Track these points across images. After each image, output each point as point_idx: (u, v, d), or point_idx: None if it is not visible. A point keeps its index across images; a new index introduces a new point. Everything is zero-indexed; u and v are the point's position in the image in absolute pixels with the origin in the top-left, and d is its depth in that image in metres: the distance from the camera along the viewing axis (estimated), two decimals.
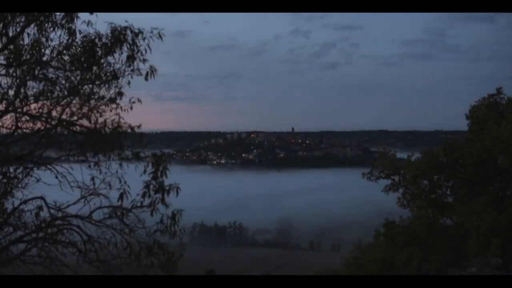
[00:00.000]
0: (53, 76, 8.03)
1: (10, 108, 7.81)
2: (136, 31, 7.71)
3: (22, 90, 7.85)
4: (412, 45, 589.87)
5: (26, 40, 7.91)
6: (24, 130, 8.09)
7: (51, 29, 7.88)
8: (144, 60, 7.86)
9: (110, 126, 7.55)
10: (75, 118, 7.85)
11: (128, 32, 7.69)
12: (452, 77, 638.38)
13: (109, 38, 7.71)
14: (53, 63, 7.98)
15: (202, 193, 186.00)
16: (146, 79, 7.89)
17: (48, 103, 7.99)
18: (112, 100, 7.96)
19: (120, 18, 7.76)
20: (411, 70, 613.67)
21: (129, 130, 7.60)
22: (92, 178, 7.67)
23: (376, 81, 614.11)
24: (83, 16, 7.72)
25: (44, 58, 7.90)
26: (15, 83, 7.89)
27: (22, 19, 7.75)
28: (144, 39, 7.72)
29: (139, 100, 7.89)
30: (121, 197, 7.30)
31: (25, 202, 8.02)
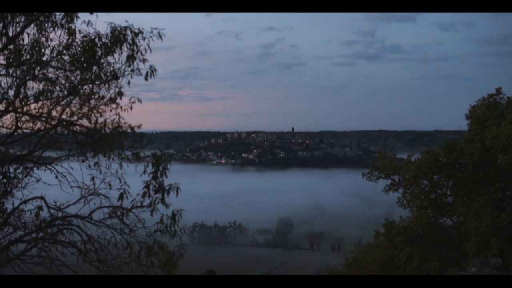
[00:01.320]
0: (53, 76, 8.03)
1: (10, 108, 7.80)
2: (136, 31, 7.71)
3: (22, 90, 7.85)
4: (351, 46, 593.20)
5: (26, 40, 7.92)
6: (24, 130, 8.09)
7: (51, 29, 7.89)
8: (144, 60, 7.86)
9: (110, 126, 7.54)
10: (75, 118, 7.84)
11: (128, 32, 7.69)
12: (414, 77, 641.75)
13: (109, 38, 7.71)
14: (53, 63, 7.98)
15: (202, 193, 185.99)
16: (146, 79, 7.89)
17: (48, 103, 7.98)
18: (112, 100, 7.96)
19: (120, 18, 7.77)
20: (364, 70, 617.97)
21: (129, 130, 7.59)
22: (92, 178, 7.66)
23: (335, 81, 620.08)
24: (83, 16, 7.73)
25: (44, 58, 7.90)
26: (15, 83, 7.89)
27: (22, 19, 7.75)
28: (144, 39, 7.72)
29: (139, 100, 7.89)
30: (121, 197, 7.30)
31: (25, 202, 8.02)
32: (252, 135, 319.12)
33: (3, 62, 7.87)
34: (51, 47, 7.97)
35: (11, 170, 8.04)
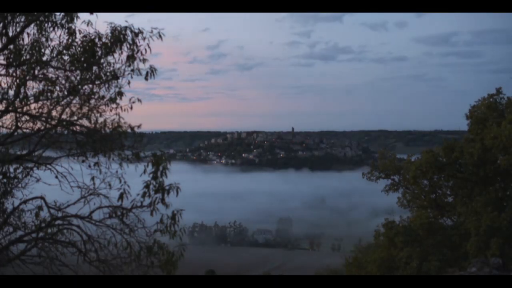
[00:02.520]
0: (53, 76, 8.03)
1: (10, 108, 7.80)
2: (136, 31, 7.71)
3: (22, 90, 7.84)
4: (296, 47, 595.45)
5: (26, 40, 7.92)
6: (24, 130, 8.09)
7: (51, 29, 7.89)
8: (144, 60, 7.87)
9: (110, 126, 7.54)
10: (75, 118, 7.85)
11: (128, 32, 7.69)
12: (384, 77, 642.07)
13: (109, 38, 7.71)
14: (53, 63, 7.98)
15: (202, 193, 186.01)
16: (146, 79, 7.89)
17: (48, 103, 7.98)
18: (112, 100, 7.96)
19: (120, 18, 7.77)
20: (324, 70, 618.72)
21: (129, 130, 7.59)
22: (92, 178, 7.67)
23: (306, 81, 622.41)
24: (83, 16, 7.73)
25: (44, 58, 7.90)
26: (15, 83, 7.89)
27: (22, 19, 7.75)
28: (144, 39, 7.73)
29: (139, 100, 7.90)
30: (121, 197, 7.30)
31: (25, 202, 8.02)
32: (253, 135, 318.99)
33: (3, 62, 7.87)
34: (51, 47, 7.97)
35: (11, 170, 8.04)
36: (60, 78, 8.02)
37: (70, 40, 7.87)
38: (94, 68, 7.93)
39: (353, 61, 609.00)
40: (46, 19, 7.79)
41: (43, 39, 7.92)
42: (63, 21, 7.83)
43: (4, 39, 7.75)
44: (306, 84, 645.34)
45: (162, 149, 7.55)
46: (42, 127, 7.98)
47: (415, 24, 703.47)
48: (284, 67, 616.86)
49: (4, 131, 8.00)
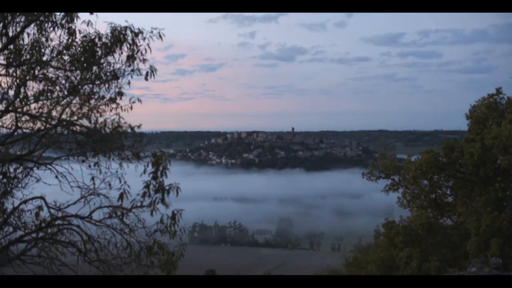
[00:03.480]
0: (53, 76, 8.03)
1: (10, 108, 7.80)
2: (136, 31, 7.71)
3: (22, 90, 7.85)
4: (247, 48, 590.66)
5: (26, 40, 7.92)
6: (24, 130, 8.09)
7: (51, 29, 7.89)
8: (144, 60, 7.87)
9: (110, 126, 7.54)
10: (75, 118, 7.84)
11: (128, 32, 7.69)
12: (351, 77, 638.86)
13: (109, 38, 7.72)
14: (53, 63, 7.98)
15: (202, 193, 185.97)
16: (146, 79, 7.90)
17: (48, 103, 7.98)
18: (112, 100, 7.96)
19: (120, 18, 7.77)
20: (288, 70, 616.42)
21: (129, 130, 7.59)
22: (92, 178, 7.67)
23: (280, 81, 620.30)
24: (83, 16, 7.74)
25: (44, 58, 7.90)
26: (15, 83, 7.89)
27: (22, 19, 7.75)
28: (144, 39, 7.73)
29: (139, 100, 7.89)
30: (121, 197, 7.30)
31: (25, 202, 8.02)
32: (253, 135, 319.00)
33: (3, 62, 7.87)
34: (51, 47, 7.98)
35: (11, 170, 8.04)
36: (60, 78, 8.02)
37: (70, 40, 7.88)
38: (94, 68, 7.94)
39: (313, 61, 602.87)
40: (46, 19, 7.80)
41: (43, 39, 7.93)
42: (63, 21, 7.83)
43: (4, 39, 7.75)
44: (282, 85, 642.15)
45: (162, 149, 7.55)
46: (42, 127, 7.97)
47: (353, 25, 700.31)
48: (249, 68, 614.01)
49: (4, 131, 8.00)
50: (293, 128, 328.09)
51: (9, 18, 7.65)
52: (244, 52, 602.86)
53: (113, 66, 7.97)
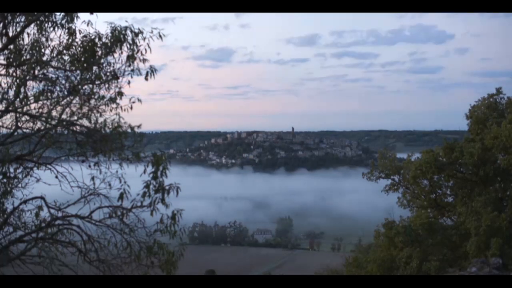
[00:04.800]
0: (53, 76, 8.03)
1: (10, 108, 7.80)
2: (136, 31, 7.71)
3: (22, 90, 7.85)
4: (173, 49, 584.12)
5: (26, 40, 7.93)
6: (24, 130, 8.09)
7: (51, 29, 7.89)
8: (144, 60, 7.86)
9: (110, 126, 7.53)
10: (75, 118, 7.84)
11: (128, 32, 7.69)
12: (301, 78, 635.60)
13: (109, 38, 7.71)
14: (53, 63, 7.98)
15: (203, 193, 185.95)
16: (146, 78, 7.90)
17: (48, 103, 7.98)
18: (112, 100, 7.96)
19: (120, 18, 7.77)
20: (231, 71, 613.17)
21: (129, 130, 7.58)
22: (92, 178, 7.66)
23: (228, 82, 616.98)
24: (83, 16, 7.74)
25: (44, 58, 7.90)
26: (15, 83, 7.89)
27: (22, 19, 7.75)
28: (144, 39, 7.73)
29: (139, 100, 7.89)
30: (121, 197, 7.30)
31: (25, 202, 8.02)
32: (253, 135, 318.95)
33: (3, 62, 7.88)
34: (51, 47, 7.98)
35: (11, 170, 8.04)
36: (60, 78, 8.02)
37: (70, 40, 7.88)
38: (94, 68, 7.93)
39: (251, 62, 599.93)
40: (46, 19, 7.80)
41: (43, 39, 7.93)
42: (63, 21, 7.84)
43: (4, 39, 7.75)
44: (241, 85, 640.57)
45: (162, 149, 7.54)
46: (42, 127, 7.97)
47: (258, 26, 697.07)
48: (192, 69, 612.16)
49: (4, 131, 8.00)
50: (293, 128, 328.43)
51: (9, 18, 7.65)
52: (182, 53, 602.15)
53: (113, 66, 7.97)
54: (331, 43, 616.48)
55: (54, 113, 7.96)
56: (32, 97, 7.86)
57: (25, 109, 7.91)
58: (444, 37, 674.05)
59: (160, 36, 7.69)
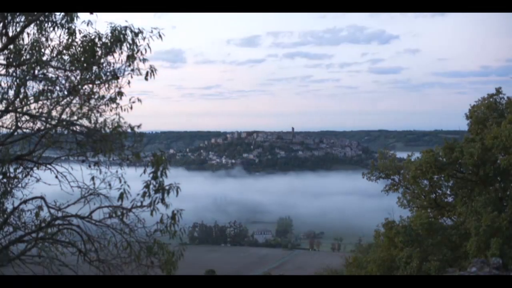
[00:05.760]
0: (53, 76, 8.03)
1: (10, 108, 7.80)
2: (136, 31, 7.71)
3: (22, 90, 7.85)
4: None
5: (26, 40, 7.92)
6: (24, 130, 8.09)
7: (51, 29, 7.89)
8: (144, 60, 7.87)
9: (110, 126, 7.53)
10: (75, 118, 7.83)
11: (128, 32, 7.69)
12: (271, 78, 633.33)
13: (109, 38, 7.71)
14: (53, 63, 7.98)
15: (203, 193, 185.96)
16: (146, 78, 7.90)
17: (48, 103, 7.98)
18: (112, 100, 7.96)
19: (120, 18, 7.77)
20: (193, 72, 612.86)
21: (129, 130, 7.58)
22: (92, 178, 7.66)
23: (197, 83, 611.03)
24: (83, 16, 7.74)
25: (44, 58, 7.90)
26: (15, 83, 7.89)
27: (22, 19, 7.75)
28: (144, 39, 7.73)
29: (139, 100, 7.89)
30: (121, 197, 7.29)
31: (25, 202, 8.02)
32: (253, 135, 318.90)
33: (3, 62, 7.87)
34: (51, 47, 7.98)
35: (11, 170, 8.04)
36: (60, 78, 8.02)
37: (70, 40, 7.88)
38: (94, 68, 7.93)
39: (207, 63, 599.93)
40: (46, 19, 7.80)
41: (43, 39, 7.93)
42: (63, 21, 7.84)
43: (4, 39, 7.75)
44: (212, 86, 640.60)
45: (162, 149, 7.54)
46: (42, 127, 7.97)
47: (185, 27, 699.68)
48: (163, 69, 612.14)
49: (4, 131, 8.00)
50: (293, 128, 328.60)
51: (9, 18, 7.65)
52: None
53: (113, 66, 7.97)
54: (273, 44, 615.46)
55: (54, 113, 7.96)
56: (32, 97, 7.86)
57: (25, 109, 7.91)
58: (388, 37, 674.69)
59: (160, 36, 7.69)
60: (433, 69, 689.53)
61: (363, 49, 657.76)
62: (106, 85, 8.03)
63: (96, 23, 7.73)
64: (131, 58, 7.84)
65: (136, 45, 7.76)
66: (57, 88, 8.01)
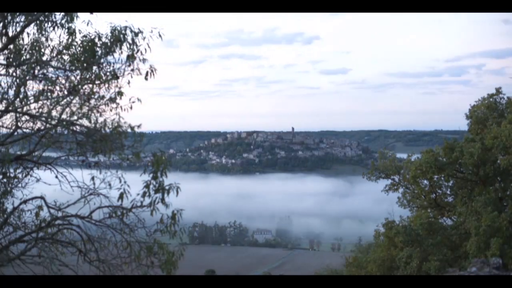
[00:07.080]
0: (53, 76, 8.04)
1: (10, 108, 7.80)
2: (136, 31, 7.72)
3: (22, 90, 7.85)
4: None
5: (26, 40, 7.93)
6: (24, 130, 8.09)
7: (51, 29, 7.89)
8: (144, 60, 7.87)
9: (110, 126, 7.53)
10: (75, 118, 7.83)
11: (128, 31, 7.70)
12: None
13: (109, 38, 7.72)
14: (53, 63, 7.98)
15: (203, 193, 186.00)
16: (146, 78, 7.90)
17: (48, 103, 7.98)
18: (112, 100, 7.96)
19: (120, 18, 7.77)
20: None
21: (129, 130, 7.58)
22: (92, 178, 7.66)
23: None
24: (83, 16, 7.74)
25: (44, 58, 7.91)
26: (15, 83, 7.89)
27: (22, 19, 7.75)
28: (144, 38, 7.73)
29: (139, 100, 7.89)
30: (121, 197, 7.29)
31: (25, 202, 8.01)
32: (253, 135, 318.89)
33: (3, 62, 7.87)
34: (51, 47, 7.98)
35: (11, 170, 8.04)
36: (60, 78, 8.03)
37: (70, 40, 7.88)
38: (94, 68, 7.94)
39: (171, 64, 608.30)
40: (46, 19, 7.80)
41: (43, 39, 7.94)
42: (63, 21, 7.84)
43: (4, 39, 7.75)
44: (170, 86, 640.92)
45: (162, 149, 7.54)
46: (42, 127, 7.97)
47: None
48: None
49: (4, 131, 8.00)
50: (293, 128, 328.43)
51: (9, 18, 7.65)
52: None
53: (113, 66, 7.97)
54: (195, 44, 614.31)
55: (54, 113, 7.95)
56: (32, 97, 7.86)
57: (25, 109, 7.91)
58: (310, 38, 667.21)
59: (160, 35, 7.70)
60: (386, 70, 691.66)
61: (292, 49, 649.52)
62: (106, 85, 8.03)
63: (96, 23, 7.74)
64: (131, 58, 7.84)
65: (136, 45, 7.77)
66: (57, 88, 8.02)
